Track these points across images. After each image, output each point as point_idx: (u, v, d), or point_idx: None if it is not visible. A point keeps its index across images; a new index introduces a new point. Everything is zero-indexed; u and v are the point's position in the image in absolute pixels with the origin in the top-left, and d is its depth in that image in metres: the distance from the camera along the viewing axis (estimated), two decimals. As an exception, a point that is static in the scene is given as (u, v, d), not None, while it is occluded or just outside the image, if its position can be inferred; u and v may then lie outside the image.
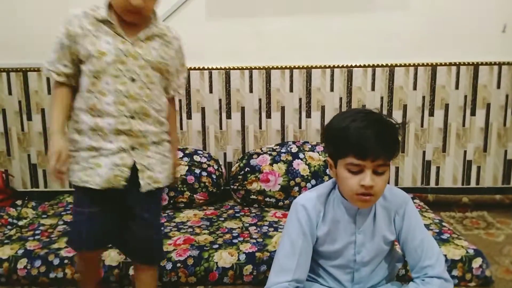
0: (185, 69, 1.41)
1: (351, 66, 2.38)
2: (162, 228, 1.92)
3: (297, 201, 1.28)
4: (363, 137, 1.10)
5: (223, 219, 2.08)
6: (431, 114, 2.43)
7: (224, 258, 1.67)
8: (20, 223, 2.12)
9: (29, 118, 2.44)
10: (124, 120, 1.24)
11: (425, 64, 2.38)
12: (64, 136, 1.25)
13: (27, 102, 2.43)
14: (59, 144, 1.22)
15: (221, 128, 2.46)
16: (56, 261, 1.66)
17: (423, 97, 2.41)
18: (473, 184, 2.48)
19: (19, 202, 2.38)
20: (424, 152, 2.46)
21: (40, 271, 1.65)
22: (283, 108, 2.44)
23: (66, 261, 1.66)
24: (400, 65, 2.38)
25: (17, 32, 2.38)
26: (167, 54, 1.30)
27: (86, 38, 1.22)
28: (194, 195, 2.22)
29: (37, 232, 1.91)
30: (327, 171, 2.21)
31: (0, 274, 1.67)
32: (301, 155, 2.25)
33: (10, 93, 2.42)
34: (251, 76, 2.40)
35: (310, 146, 2.31)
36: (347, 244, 1.26)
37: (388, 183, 1.27)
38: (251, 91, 2.42)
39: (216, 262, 1.66)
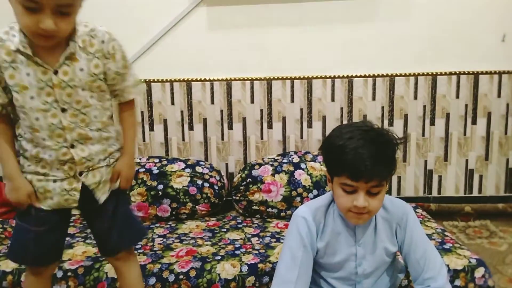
0: (127, 70, 1.24)
1: (352, 76, 2.40)
2: (164, 240, 1.93)
3: (297, 213, 1.29)
4: (357, 159, 1.10)
5: (225, 230, 2.08)
6: (432, 123, 2.43)
7: (227, 269, 1.68)
8: (24, 235, 2.13)
9: (33, 131, 2.46)
10: (64, 150, 1.17)
11: (425, 73, 2.40)
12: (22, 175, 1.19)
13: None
14: (25, 188, 1.18)
15: (222, 139, 2.48)
16: (60, 274, 1.66)
17: (424, 106, 2.42)
18: (475, 193, 2.48)
19: (22, 214, 2.39)
20: (426, 161, 2.47)
21: (44, 284, 1.66)
22: (284, 119, 2.45)
23: (69, 273, 1.66)
24: (401, 75, 2.39)
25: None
26: (98, 67, 1.16)
27: (6, 70, 1.10)
28: (196, 206, 2.23)
29: None
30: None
31: (4, 287, 1.68)
32: (302, 165, 2.26)
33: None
34: (252, 87, 2.42)
35: (311, 156, 2.32)
36: (348, 256, 1.27)
37: (390, 193, 1.28)
38: (252, 101, 2.44)
39: (219, 274, 1.66)
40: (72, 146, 1.17)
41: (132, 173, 1.32)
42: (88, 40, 1.15)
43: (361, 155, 1.10)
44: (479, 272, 1.62)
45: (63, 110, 1.14)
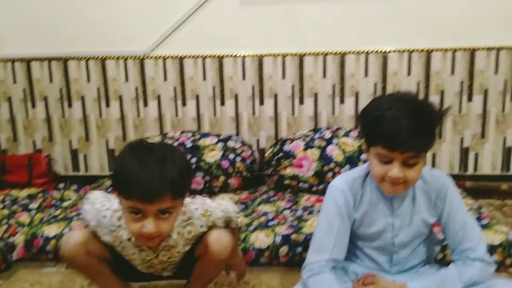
0: (232, 220, 1.33)
1: (386, 52, 2.35)
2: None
3: (333, 183, 1.30)
4: (395, 129, 1.09)
5: (257, 203, 2.11)
6: (470, 99, 2.37)
7: (260, 239, 1.71)
8: (64, 204, 2.22)
9: (70, 105, 2.53)
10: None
11: (463, 48, 2.32)
12: None
13: (68, 90, 2.52)
14: None
15: (254, 115, 2.48)
16: (100, 240, 1.73)
17: (461, 82, 2.36)
18: (512, 171, 2.42)
19: (61, 186, 2.49)
20: (462, 138, 2.41)
21: (85, 249, 1.73)
22: (316, 95, 2.43)
23: (109, 240, 1.73)
24: (437, 50, 2.33)
25: (57, 21, 2.47)
26: (192, 232, 1.25)
27: (117, 247, 1.26)
28: (229, 180, 2.26)
29: (80, 212, 2.00)
30: (362, 156, 2.20)
31: (48, 251, 1.76)
32: (335, 141, 2.25)
33: (51, 81, 2.51)
34: (283, 63, 2.41)
35: (344, 132, 2.31)
36: (385, 227, 1.27)
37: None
38: (283, 77, 2.43)
39: (253, 243, 1.70)
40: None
41: None
42: (185, 230, 1.24)
43: (398, 125, 1.09)
44: (517, 247, 1.60)
45: (163, 269, 1.32)
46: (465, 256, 1.23)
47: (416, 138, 1.09)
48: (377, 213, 1.27)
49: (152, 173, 1.05)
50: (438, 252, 1.58)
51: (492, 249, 1.60)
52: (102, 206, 1.24)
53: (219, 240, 1.20)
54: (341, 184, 1.27)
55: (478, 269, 1.20)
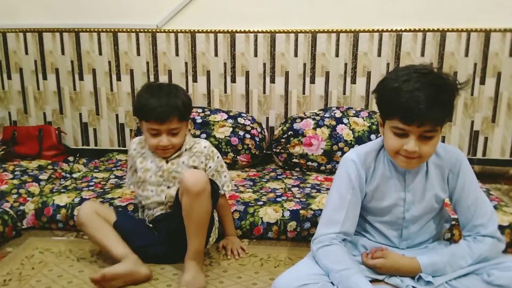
0: (224, 169, 1.60)
1: (401, 31, 2.32)
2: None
3: (346, 156, 1.29)
4: (412, 101, 1.07)
5: (265, 180, 2.12)
6: (482, 82, 2.35)
7: (269, 214, 1.72)
8: (74, 175, 2.24)
9: (81, 78, 2.53)
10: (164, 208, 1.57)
11: (478, 29, 2.29)
12: None
13: (79, 63, 2.51)
14: None
15: (264, 93, 2.47)
16: (110, 209, 1.75)
17: (475, 64, 2.33)
18: (522, 156, 2.41)
19: (71, 158, 2.50)
20: (472, 122, 2.40)
21: (96, 218, 1.75)
22: (327, 73, 2.41)
23: (120, 209, 1.75)
24: (452, 30, 2.29)
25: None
26: (195, 162, 1.55)
27: (137, 158, 1.59)
28: (237, 157, 2.26)
29: (91, 183, 2.02)
30: (371, 136, 2.20)
31: (58, 220, 1.78)
32: (345, 120, 2.24)
33: (63, 53, 2.51)
34: (296, 40, 2.38)
35: (354, 112, 2.30)
36: (396, 201, 1.27)
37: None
38: (296, 55, 2.41)
39: (261, 217, 1.71)
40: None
41: (239, 244, 1.62)
42: (192, 145, 1.57)
43: (416, 97, 1.07)
44: (526, 228, 1.60)
45: (168, 187, 1.54)
46: (476, 232, 1.23)
47: (434, 111, 1.08)
48: (389, 187, 1.27)
49: (163, 102, 1.44)
50: (446, 231, 1.59)
51: (500, 230, 1.58)
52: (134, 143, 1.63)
53: (192, 174, 1.38)
54: (354, 156, 1.27)
55: (489, 245, 1.20)
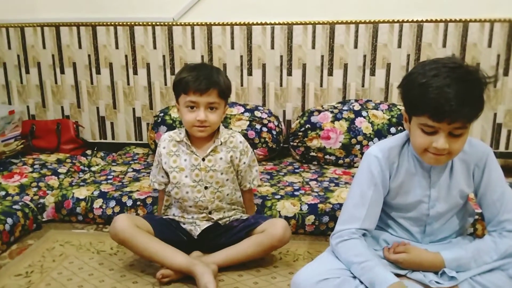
0: (255, 164, 1.59)
1: (422, 21, 2.26)
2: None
3: (369, 151, 1.26)
4: (442, 98, 1.03)
5: (283, 173, 2.10)
6: (506, 73, 2.28)
7: (287, 207, 1.70)
8: (93, 169, 2.26)
9: (98, 72, 2.54)
10: (205, 214, 1.51)
11: (501, 20, 2.22)
12: None
13: (96, 57, 2.52)
14: None
15: (281, 85, 2.45)
16: (129, 203, 1.76)
17: (498, 55, 2.27)
18: (546, 149, 2.34)
19: (89, 152, 2.52)
20: (495, 114, 2.34)
21: (115, 211, 1.76)
22: (346, 65, 2.38)
23: (138, 202, 1.75)
24: (475, 20, 2.23)
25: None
26: (233, 158, 1.51)
27: (171, 157, 1.51)
28: (254, 150, 2.25)
29: (109, 177, 2.03)
30: (391, 129, 2.16)
31: (77, 213, 1.80)
32: (364, 113, 2.21)
33: (80, 47, 2.52)
34: (314, 31, 2.35)
35: (373, 104, 2.26)
36: (421, 198, 1.24)
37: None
38: (313, 47, 2.37)
39: (279, 211, 1.69)
40: (210, 213, 1.50)
41: None
42: (228, 138, 1.53)
43: (446, 94, 1.03)
44: (553, 224, 1.55)
45: (206, 187, 1.49)
46: (501, 227, 1.19)
47: (465, 108, 1.03)
48: (414, 183, 1.24)
49: (204, 75, 1.41)
50: (469, 226, 1.55)
51: (526, 225, 1.56)
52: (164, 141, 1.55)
53: (285, 227, 1.42)
54: (377, 152, 1.24)
55: (515, 241, 1.17)
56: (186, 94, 1.42)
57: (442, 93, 1.04)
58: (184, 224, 1.49)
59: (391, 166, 1.24)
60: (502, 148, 2.37)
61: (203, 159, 1.48)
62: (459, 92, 1.03)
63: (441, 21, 2.25)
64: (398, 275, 1.20)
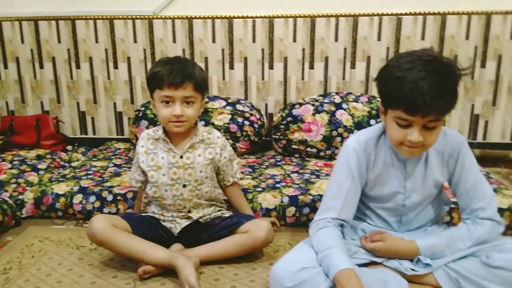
0: (235, 158, 1.57)
1: (401, 14, 2.29)
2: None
3: (347, 143, 1.28)
4: (416, 92, 1.04)
5: (265, 166, 2.11)
6: (483, 65, 2.32)
7: (268, 199, 1.71)
8: (73, 164, 2.23)
9: (78, 67, 2.51)
10: (184, 213, 1.49)
11: (478, 12, 2.26)
12: None
13: (76, 51, 2.49)
14: None
15: (263, 79, 2.45)
16: (110, 197, 1.75)
17: (475, 47, 2.31)
18: (523, 140, 2.39)
19: (69, 148, 2.50)
20: (473, 105, 2.38)
21: (95, 206, 1.75)
22: (326, 58, 2.39)
23: (119, 197, 1.75)
24: (453, 13, 2.26)
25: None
26: (213, 154, 1.48)
27: (148, 155, 1.48)
28: (236, 144, 2.25)
29: (89, 172, 2.01)
30: (371, 121, 2.18)
31: (57, 209, 1.78)
32: (344, 106, 2.23)
33: (59, 41, 2.48)
34: (295, 25, 2.36)
35: (354, 97, 2.28)
36: (397, 189, 1.26)
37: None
38: (294, 40, 2.38)
39: (260, 203, 1.70)
40: (189, 211, 1.48)
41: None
42: (206, 135, 1.50)
43: (420, 88, 1.03)
44: (526, 211, 1.59)
45: (184, 185, 1.46)
46: (475, 215, 1.22)
47: (439, 101, 1.04)
48: (390, 175, 1.26)
49: (178, 68, 1.38)
50: (445, 215, 1.58)
51: (500, 213, 1.58)
52: (142, 139, 1.52)
53: (268, 229, 1.42)
54: (354, 144, 1.25)
55: (488, 228, 1.20)
56: (161, 89, 1.38)
57: (417, 87, 1.04)
58: (164, 221, 1.48)
59: (368, 158, 1.25)
60: (479, 139, 2.41)
61: (181, 157, 1.45)
62: (433, 86, 1.04)
63: (419, 14, 2.28)
64: (375, 263, 1.23)
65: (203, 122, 2.21)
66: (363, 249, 1.25)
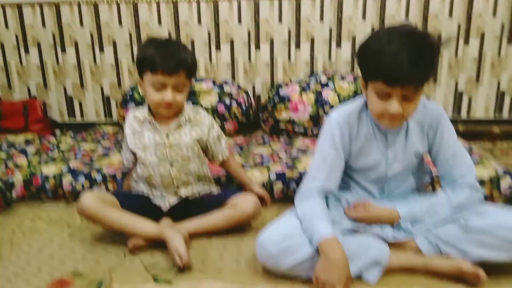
0: (222, 134, 1.59)
1: (385, -7, 2.32)
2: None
3: (330, 116, 1.31)
4: (394, 64, 1.07)
5: (253, 146, 2.14)
6: (466, 43, 2.36)
7: (256, 176, 1.74)
8: (62, 148, 2.24)
9: (63, 51, 2.50)
10: (173, 190, 1.50)
11: (460, -10, 2.29)
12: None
13: (61, 36, 2.48)
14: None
15: (250, 60, 2.47)
16: (99, 177, 1.76)
17: (459, 26, 2.34)
18: (505, 115, 2.44)
19: (57, 132, 2.50)
20: (456, 83, 2.42)
21: (84, 186, 1.76)
22: (312, 39, 2.41)
23: (108, 178, 1.76)
24: (435, -8, 2.30)
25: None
26: (199, 133, 1.49)
27: (134, 136, 1.49)
28: (225, 125, 2.27)
29: (78, 154, 2.02)
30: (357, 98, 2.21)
31: (47, 189, 1.79)
32: (330, 85, 2.25)
33: (44, 26, 2.47)
34: (280, 6, 2.37)
35: (340, 76, 2.31)
36: (379, 159, 1.29)
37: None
38: (280, 20, 2.39)
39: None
40: (178, 187, 1.50)
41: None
42: (192, 114, 1.50)
43: (399, 60, 1.06)
44: (505, 181, 1.64)
45: (171, 164, 1.47)
46: (453, 182, 1.26)
47: (417, 73, 1.07)
48: (372, 146, 1.29)
49: (173, 53, 1.36)
50: (427, 185, 1.63)
51: (480, 183, 1.63)
52: (129, 120, 1.53)
53: (255, 203, 1.47)
54: (337, 117, 1.28)
55: (467, 195, 1.23)
56: (153, 73, 1.36)
57: (395, 59, 1.07)
58: (153, 199, 1.51)
59: (351, 130, 1.28)
60: (464, 115, 2.46)
61: (167, 136, 1.46)
62: (411, 58, 1.07)
63: (405, -9, 2.31)
64: (357, 231, 1.26)
65: (190, 102, 2.23)
66: (347, 219, 1.28)
